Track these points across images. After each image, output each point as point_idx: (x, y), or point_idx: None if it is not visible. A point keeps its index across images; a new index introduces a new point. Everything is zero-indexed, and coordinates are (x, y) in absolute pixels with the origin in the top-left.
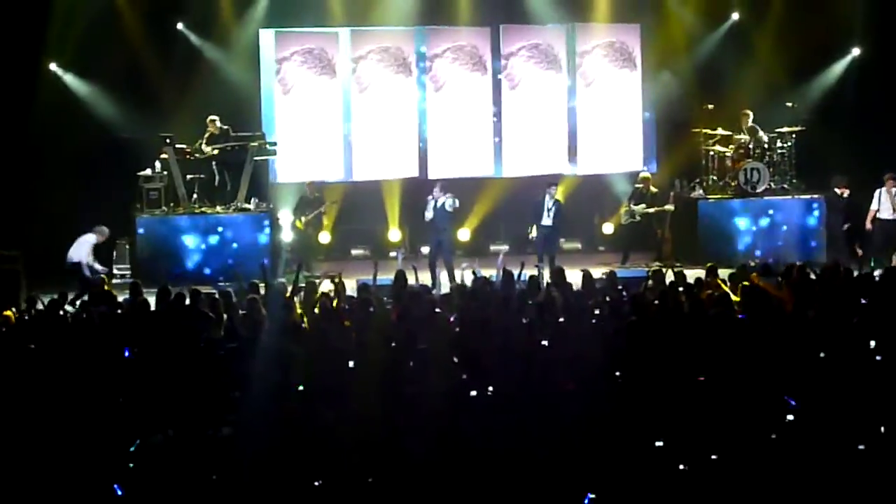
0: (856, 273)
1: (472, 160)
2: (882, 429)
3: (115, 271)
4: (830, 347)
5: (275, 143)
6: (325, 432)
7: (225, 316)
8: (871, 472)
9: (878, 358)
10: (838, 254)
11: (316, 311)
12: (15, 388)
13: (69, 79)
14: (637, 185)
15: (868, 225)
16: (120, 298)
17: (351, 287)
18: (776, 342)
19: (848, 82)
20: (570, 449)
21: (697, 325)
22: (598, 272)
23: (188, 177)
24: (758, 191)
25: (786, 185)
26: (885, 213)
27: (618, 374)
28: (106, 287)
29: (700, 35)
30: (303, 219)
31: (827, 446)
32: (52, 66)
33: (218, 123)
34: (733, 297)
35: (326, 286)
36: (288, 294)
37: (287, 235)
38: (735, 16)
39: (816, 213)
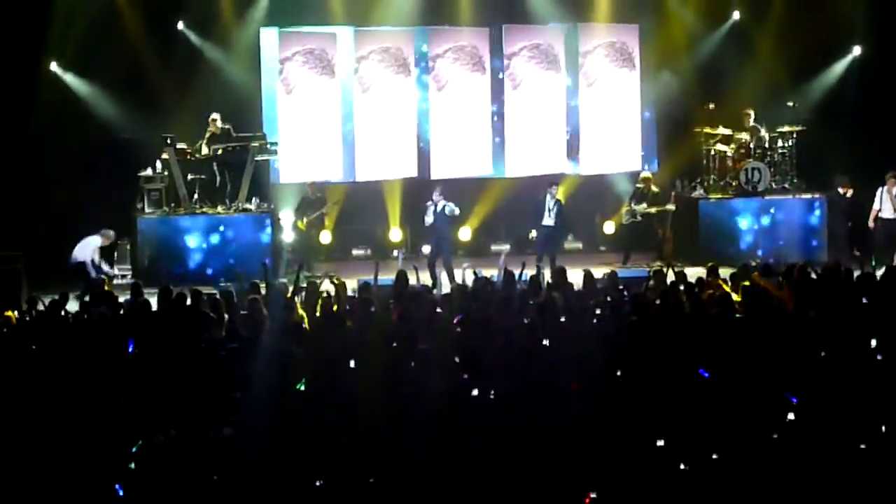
0: (857, 273)
1: (473, 160)
2: (883, 428)
3: (116, 272)
4: (831, 347)
5: (275, 144)
6: (326, 432)
7: (226, 316)
8: (873, 472)
9: (878, 357)
10: (840, 253)
11: (317, 311)
12: (16, 388)
13: (70, 79)
14: (638, 185)
15: (870, 223)
16: (121, 299)
17: (352, 287)
18: (777, 342)
19: (849, 82)
20: (572, 448)
21: (698, 325)
22: (599, 272)
23: (189, 177)
24: (759, 190)
25: (787, 185)
26: (887, 213)
27: (619, 373)
28: (106, 287)
29: (701, 35)
30: (304, 219)
31: (828, 446)
32: (53, 66)
33: (219, 123)
34: (734, 297)
35: (327, 286)
36: (289, 294)
37: (288, 236)
38: (736, 15)
39: (817, 212)
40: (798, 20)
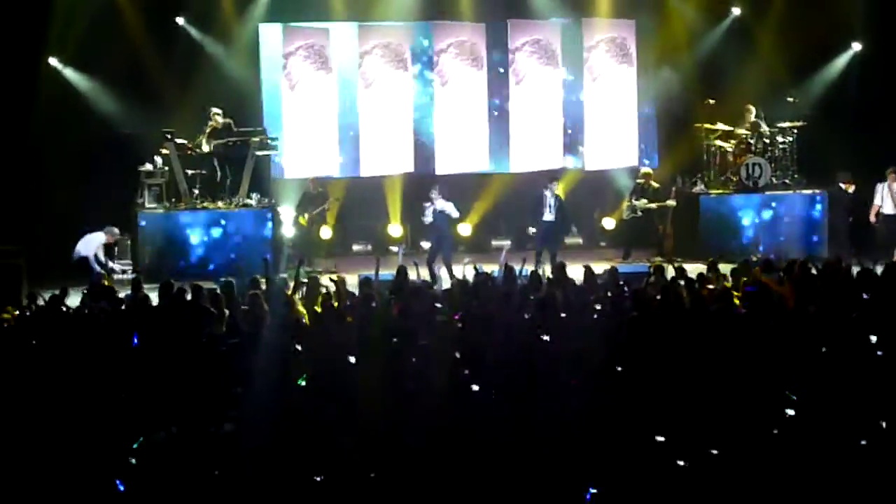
0: (857, 268)
1: (475, 156)
2: (883, 424)
3: (119, 267)
4: (831, 342)
5: (276, 139)
6: (326, 428)
7: (227, 311)
8: (873, 468)
9: (879, 353)
10: (841, 249)
11: (317, 306)
12: (17, 383)
13: (70, 74)
14: (638, 181)
15: (872, 219)
16: (121, 294)
17: (352, 282)
18: (777, 337)
19: (850, 77)
20: (572, 444)
21: (699, 321)
22: (599, 268)
23: (189, 172)
24: (759, 186)
25: (787, 181)
26: (888, 209)
27: (619, 369)
28: (106, 283)
29: (701, 30)
30: (306, 215)
31: (828, 441)
32: (54, 62)
33: (220, 118)
34: (735, 293)
35: (329, 279)
36: (290, 290)
37: (289, 231)
38: (736, 11)
39: (818, 207)
40: (798, 16)
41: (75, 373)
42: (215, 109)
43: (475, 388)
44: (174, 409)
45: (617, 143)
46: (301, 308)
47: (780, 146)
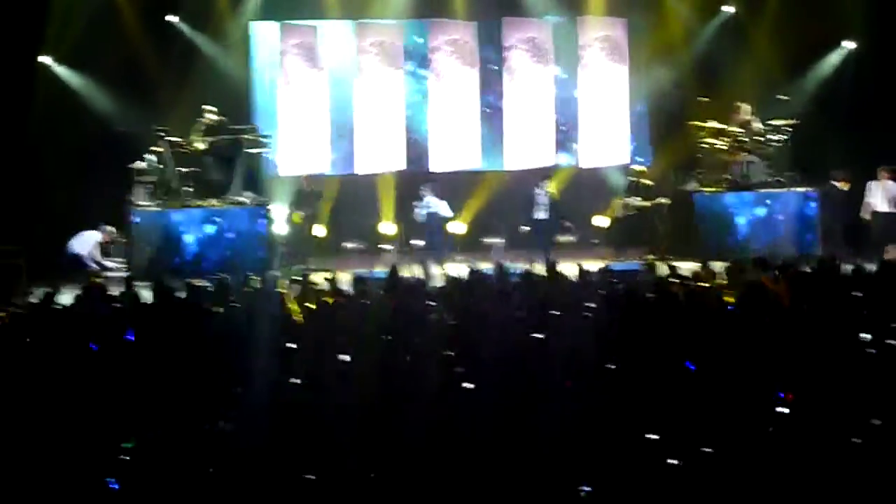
0: (850, 266)
1: (468, 154)
2: (876, 422)
3: (113, 265)
4: (824, 341)
5: (268, 136)
6: (320, 426)
7: (220, 309)
8: (866, 465)
9: (872, 351)
10: (835, 247)
11: (311, 304)
12: (9, 381)
13: (66, 73)
14: (631, 179)
15: (866, 216)
16: (115, 292)
17: (346, 280)
18: (771, 335)
19: (844, 75)
20: (564, 442)
21: (692, 319)
22: (592, 265)
23: (182, 170)
24: (753, 183)
25: (781, 178)
26: (882, 207)
27: (612, 367)
28: (98, 280)
29: (695, 28)
30: (300, 212)
31: (821, 439)
32: (49, 61)
33: (213, 116)
34: (728, 291)
35: (322, 277)
36: (283, 287)
37: (282, 228)
38: (730, 9)
39: (812, 205)
40: (792, 13)
41: (67, 371)
42: (208, 107)
43: (469, 386)
44: (167, 407)
45: (610, 141)
46: (294, 306)
47: (774, 144)
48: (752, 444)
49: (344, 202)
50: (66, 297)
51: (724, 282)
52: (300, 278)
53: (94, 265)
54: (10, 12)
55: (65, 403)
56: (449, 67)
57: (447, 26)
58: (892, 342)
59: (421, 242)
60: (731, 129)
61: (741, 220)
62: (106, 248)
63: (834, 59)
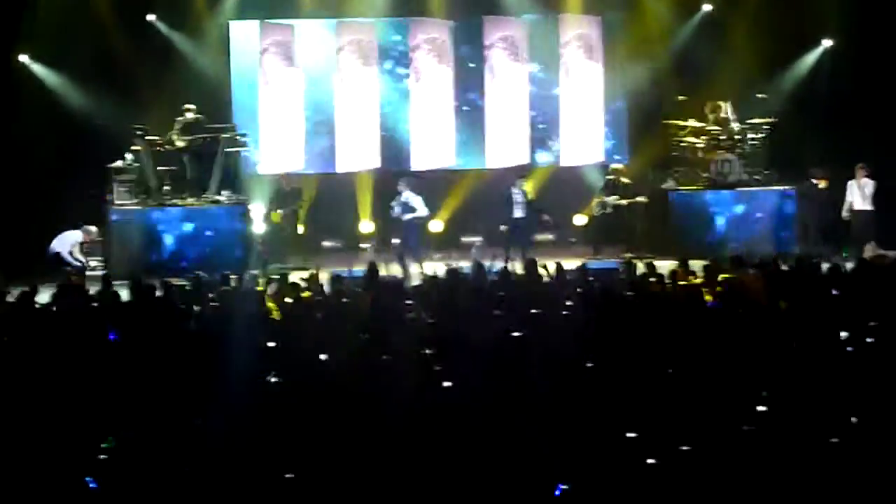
0: (827, 264)
1: (446, 152)
2: (853, 419)
3: (91, 263)
4: (802, 338)
5: (245, 135)
6: (296, 425)
7: (197, 308)
8: (843, 464)
9: (849, 349)
10: (812, 245)
11: (288, 303)
12: None
13: (43, 72)
14: (609, 177)
15: (844, 215)
16: (92, 291)
17: (324, 279)
18: (748, 333)
19: (821, 73)
20: (543, 440)
21: (669, 316)
22: (570, 264)
23: (160, 168)
24: (730, 182)
25: (758, 177)
26: (858, 205)
27: (589, 365)
28: (75, 279)
29: (672, 26)
30: (279, 211)
31: (799, 437)
32: (26, 60)
33: (190, 115)
34: (705, 289)
35: (300, 278)
36: (260, 286)
37: (259, 227)
38: (707, 7)
39: (789, 203)
40: (769, 11)
41: (44, 370)
42: (188, 105)
43: (447, 384)
44: (144, 405)
45: (587, 139)
46: (272, 305)
47: (751, 142)
48: (729, 442)
49: (322, 201)
50: (43, 297)
51: (702, 280)
52: (278, 277)
53: (74, 263)
54: None
55: (42, 402)
56: (428, 66)
57: (426, 25)
58: (870, 340)
59: (398, 241)
60: (708, 127)
61: (719, 219)
62: (87, 248)
63: (811, 57)
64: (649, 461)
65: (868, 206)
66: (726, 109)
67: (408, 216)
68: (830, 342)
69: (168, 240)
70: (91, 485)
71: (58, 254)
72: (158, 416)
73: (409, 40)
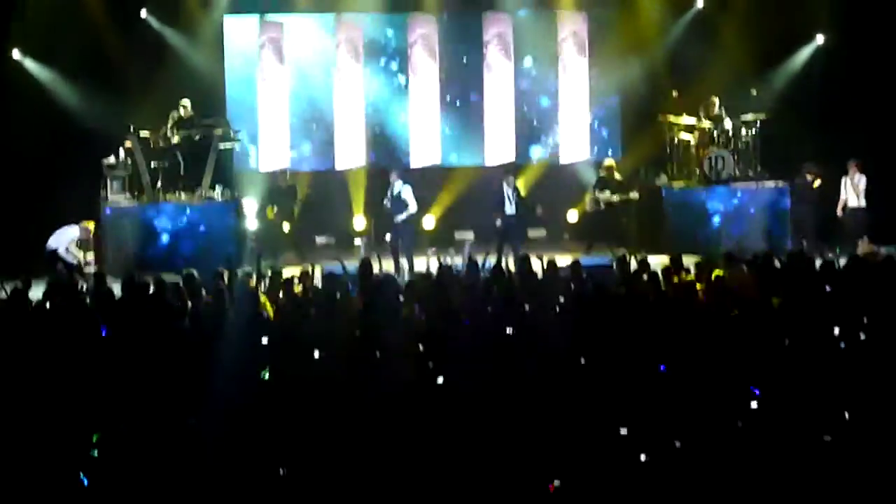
0: (820, 261)
1: (440, 149)
2: (846, 415)
3: (87, 260)
4: (795, 335)
5: (238, 131)
6: (290, 422)
7: (190, 304)
8: (836, 461)
9: (841, 346)
10: (804, 241)
11: (281, 300)
12: None
13: (35, 68)
14: (601, 173)
15: (839, 212)
16: (85, 287)
17: (317, 275)
18: (741, 330)
19: (813, 70)
20: (536, 437)
21: (662, 313)
22: (562, 260)
23: (152, 164)
24: (723, 178)
25: (751, 173)
26: (852, 202)
27: (582, 361)
28: (68, 275)
29: (665, 23)
30: (275, 208)
31: (792, 434)
32: (17, 55)
33: (183, 111)
34: (698, 286)
35: (292, 274)
36: (253, 283)
37: (252, 224)
38: (700, 3)
39: (782, 200)
40: (762, 8)
41: (36, 368)
42: (184, 100)
43: (440, 380)
44: (137, 402)
45: (580, 135)
46: (265, 301)
47: (743, 139)
48: (722, 439)
49: (316, 197)
50: (36, 293)
51: (694, 276)
52: (271, 273)
53: (70, 260)
54: None
55: (35, 401)
56: (423, 62)
57: (421, 21)
58: (863, 336)
59: (391, 237)
60: (701, 123)
61: (712, 215)
62: (84, 244)
63: (804, 54)
64: (642, 457)
65: (861, 204)
66: (718, 105)
67: (400, 217)
68: (823, 338)
69: (161, 236)
70: (84, 482)
71: (55, 251)
72: (149, 412)
73: (405, 36)
